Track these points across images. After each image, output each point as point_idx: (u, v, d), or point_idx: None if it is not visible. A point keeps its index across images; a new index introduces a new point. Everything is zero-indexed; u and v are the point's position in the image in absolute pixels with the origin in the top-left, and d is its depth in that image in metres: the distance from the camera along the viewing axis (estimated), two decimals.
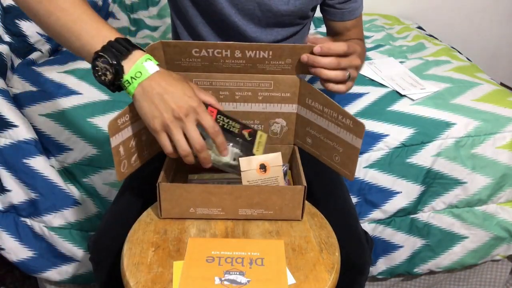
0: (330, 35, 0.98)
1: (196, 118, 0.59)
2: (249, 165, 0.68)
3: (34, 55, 1.24)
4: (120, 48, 0.58)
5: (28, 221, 1.09)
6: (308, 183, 0.68)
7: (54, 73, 1.16)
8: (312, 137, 0.74)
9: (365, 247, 0.78)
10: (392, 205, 1.09)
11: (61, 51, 1.33)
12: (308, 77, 1.17)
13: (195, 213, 0.68)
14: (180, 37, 0.95)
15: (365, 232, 0.83)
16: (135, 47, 0.59)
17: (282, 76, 0.73)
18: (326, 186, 0.70)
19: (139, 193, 0.80)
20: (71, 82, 1.13)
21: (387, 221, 1.12)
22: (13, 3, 1.24)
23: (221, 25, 0.87)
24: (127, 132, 0.64)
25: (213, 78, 0.72)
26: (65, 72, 1.17)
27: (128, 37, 0.67)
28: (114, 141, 0.61)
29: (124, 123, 0.63)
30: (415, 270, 1.16)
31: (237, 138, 0.67)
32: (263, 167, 0.68)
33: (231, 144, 0.66)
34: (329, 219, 0.71)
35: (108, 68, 0.58)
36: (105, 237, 0.76)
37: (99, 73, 0.59)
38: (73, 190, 1.09)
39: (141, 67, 0.57)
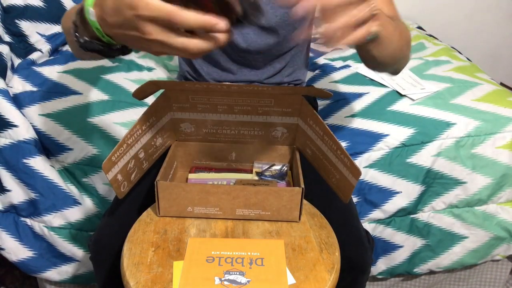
0: None
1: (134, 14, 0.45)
2: None
3: (34, 55, 1.24)
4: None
5: (28, 221, 1.09)
6: (309, 182, 0.67)
7: (54, 73, 1.16)
8: (312, 151, 0.74)
9: (367, 247, 0.79)
10: (392, 205, 1.09)
11: (61, 51, 1.33)
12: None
13: (193, 212, 0.68)
14: None
15: (367, 232, 0.83)
16: None
17: (284, 95, 0.72)
18: (328, 186, 0.70)
19: (139, 192, 0.80)
20: (71, 82, 1.13)
21: (387, 221, 1.12)
22: (13, 3, 1.24)
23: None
24: (123, 161, 0.64)
25: (211, 94, 0.72)
26: (65, 72, 1.17)
27: None
28: (111, 174, 0.61)
29: (119, 156, 0.63)
30: (415, 270, 1.16)
31: None
32: None
33: None
34: (331, 218, 0.71)
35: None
36: (105, 236, 0.76)
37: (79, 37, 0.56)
38: (73, 190, 1.09)
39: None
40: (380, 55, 0.65)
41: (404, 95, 1.16)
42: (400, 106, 1.12)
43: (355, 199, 1.09)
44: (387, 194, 1.08)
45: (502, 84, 1.44)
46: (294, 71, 0.99)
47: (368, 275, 0.82)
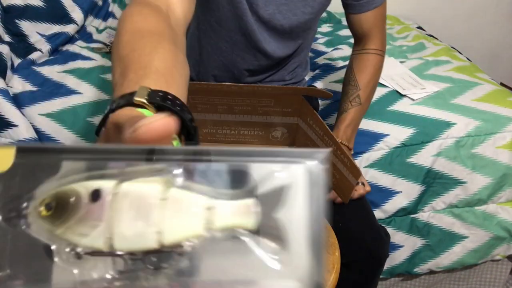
0: (354, 37, 0.99)
1: None
2: None
3: (34, 55, 1.24)
4: None
5: None
6: None
7: (54, 73, 1.16)
8: None
9: (385, 240, 0.80)
10: (392, 205, 1.09)
11: (61, 51, 1.33)
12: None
13: None
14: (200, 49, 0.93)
15: (382, 226, 0.85)
16: None
17: (284, 95, 0.72)
18: None
19: None
20: (71, 82, 1.13)
21: (387, 221, 1.12)
22: (13, 3, 1.24)
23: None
24: None
25: (210, 95, 0.71)
26: (65, 72, 1.17)
27: None
28: None
29: None
30: (415, 270, 1.16)
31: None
32: None
33: None
34: (349, 214, 0.71)
35: None
36: None
37: None
38: None
39: None
40: None
41: (404, 95, 1.16)
42: (400, 106, 1.12)
43: None
44: (387, 194, 1.08)
45: (502, 84, 1.44)
46: (297, 67, 0.99)
47: (383, 267, 0.83)
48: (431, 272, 1.20)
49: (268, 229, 0.21)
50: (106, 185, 0.21)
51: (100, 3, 1.64)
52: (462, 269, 1.23)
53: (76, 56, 1.26)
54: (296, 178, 0.21)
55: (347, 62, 1.40)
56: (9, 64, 1.16)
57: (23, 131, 1.03)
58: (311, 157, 0.21)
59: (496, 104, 1.12)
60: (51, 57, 1.29)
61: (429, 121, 1.07)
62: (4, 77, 1.11)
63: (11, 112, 1.03)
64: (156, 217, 0.21)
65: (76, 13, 1.43)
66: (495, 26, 2.19)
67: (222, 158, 0.22)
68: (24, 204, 0.22)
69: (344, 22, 1.89)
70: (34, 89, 1.10)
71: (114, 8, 1.73)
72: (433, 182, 1.08)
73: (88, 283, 0.21)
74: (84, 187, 0.21)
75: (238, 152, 0.22)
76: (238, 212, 0.22)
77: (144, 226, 0.21)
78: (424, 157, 1.06)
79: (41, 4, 1.31)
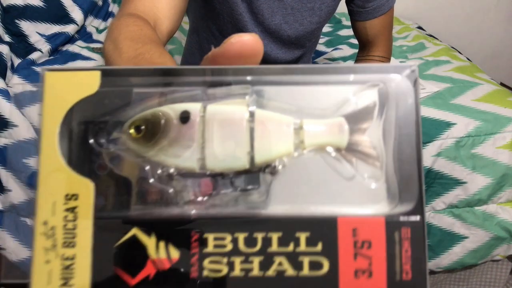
0: (359, 43, 0.98)
1: None
2: None
3: (34, 55, 1.24)
4: None
5: (28, 220, 1.09)
6: None
7: None
8: None
9: None
10: None
11: (61, 51, 1.33)
12: None
13: None
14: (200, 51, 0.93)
15: None
16: None
17: None
18: None
19: None
20: None
21: None
22: (13, 3, 1.24)
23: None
24: None
25: None
26: None
27: None
28: None
29: None
30: None
31: None
32: None
33: None
34: None
35: None
36: None
37: None
38: None
39: None
40: None
41: None
42: None
43: None
44: None
45: (502, 84, 1.44)
46: None
47: None
48: (431, 272, 1.20)
49: (358, 148, 0.22)
50: (193, 107, 0.22)
51: (100, 3, 1.64)
52: (462, 269, 1.23)
53: (76, 56, 1.26)
54: (382, 95, 0.22)
55: (347, 62, 1.41)
56: (9, 64, 1.16)
57: (23, 131, 1.03)
58: (396, 72, 0.22)
59: (496, 104, 1.12)
60: (51, 57, 1.29)
61: (429, 121, 1.07)
62: (4, 77, 1.11)
63: (11, 112, 1.03)
64: (246, 137, 0.22)
65: (76, 13, 1.43)
66: (495, 26, 2.19)
67: (307, 77, 0.23)
68: (112, 127, 0.22)
69: (344, 22, 1.90)
70: (34, 89, 1.10)
71: (114, 8, 1.73)
72: (433, 183, 1.08)
73: (178, 204, 0.22)
74: (172, 110, 0.22)
75: (322, 69, 0.23)
76: (329, 131, 0.22)
77: (235, 147, 0.21)
78: (424, 157, 1.06)
79: (41, 4, 1.31)
